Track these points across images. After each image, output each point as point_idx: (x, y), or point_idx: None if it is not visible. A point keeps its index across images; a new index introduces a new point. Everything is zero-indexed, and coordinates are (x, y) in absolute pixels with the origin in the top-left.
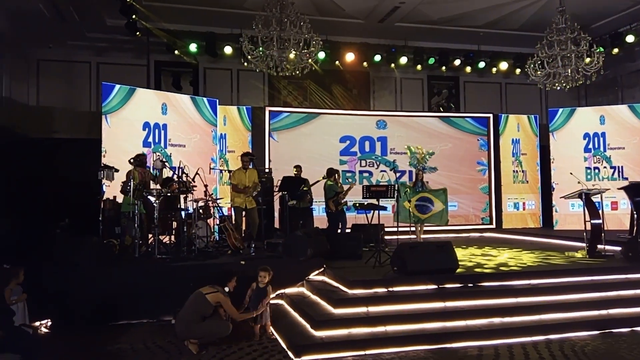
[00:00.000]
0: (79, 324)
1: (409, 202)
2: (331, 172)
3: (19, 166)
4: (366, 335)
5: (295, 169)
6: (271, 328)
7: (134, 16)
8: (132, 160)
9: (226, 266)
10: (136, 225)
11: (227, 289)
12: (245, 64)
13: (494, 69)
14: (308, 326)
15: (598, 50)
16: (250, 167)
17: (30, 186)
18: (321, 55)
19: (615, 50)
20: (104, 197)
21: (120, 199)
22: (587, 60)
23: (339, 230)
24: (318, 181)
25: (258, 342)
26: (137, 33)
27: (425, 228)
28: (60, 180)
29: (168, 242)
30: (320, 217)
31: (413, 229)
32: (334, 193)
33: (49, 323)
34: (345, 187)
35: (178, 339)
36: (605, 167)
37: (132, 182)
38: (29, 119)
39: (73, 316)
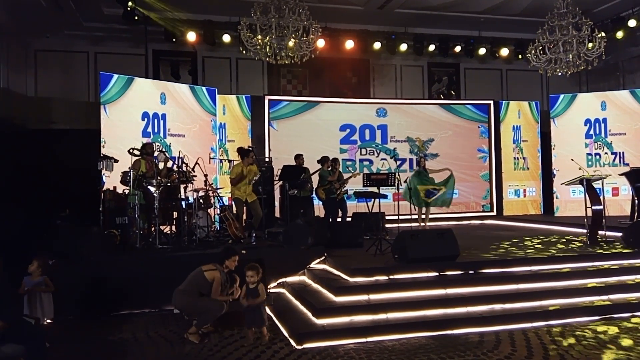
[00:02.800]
0: (82, 315)
1: (422, 187)
2: (323, 160)
3: (18, 157)
4: (367, 323)
5: (297, 159)
6: (268, 335)
7: (130, 3)
8: (132, 150)
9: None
10: (137, 215)
11: (225, 267)
12: (244, 52)
13: (495, 55)
14: (309, 314)
15: (600, 35)
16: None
17: (29, 177)
18: (320, 42)
19: (618, 34)
20: (104, 188)
21: (120, 189)
22: (589, 45)
23: (339, 219)
24: (318, 170)
25: (251, 341)
26: (136, 18)
27: (430, 215)
28: (60, 171)
29: (169, 232)
30: (320, 205)
31: (415, 216)
32: (326, 181)
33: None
34: (346, 175)
35: (175, 308)
36: (606, 153)
37: (132, 173)
38: (27, 109)
39: (75, 306)
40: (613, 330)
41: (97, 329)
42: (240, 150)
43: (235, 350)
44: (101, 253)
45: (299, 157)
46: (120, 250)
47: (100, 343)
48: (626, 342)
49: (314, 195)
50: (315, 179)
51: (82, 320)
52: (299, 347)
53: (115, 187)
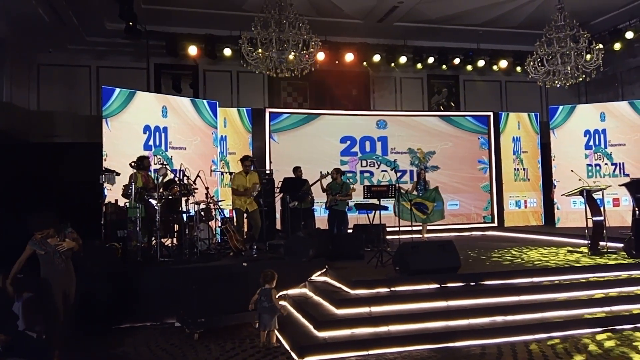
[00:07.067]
0: (83, 328)
1: (409, 202)
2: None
3: (20, 171)
4: (369, 336)
5: (296, 171)
6: (276, 336)
7: (132, 20)
8: (133, 164)
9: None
10: (138, 228)
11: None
12: (245, 65)
13: (494, 67)
14: (311, 327)
15: (597, 47)
16: (252, 169)
17: (31, 190)
18: (320, 55)
19: (616, 46)
20: (106, 201)
21: (122, 202)
22: (587, 57)
23: (337, 230)
24: (317, 181)
25: (261, 344)
26: (138, 32)
27: (427, 227)
28: (62, 184)
29: (170, 244)
30: (321, 217)
31: (416, 228)
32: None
33: None
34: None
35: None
36: (606, 164)
37: (133, 186)
38: (30, 123)
39: (77, 320)
40: (614, 342)
41: (99, 342)
42: (242, 158)
43: None
44: (103, 266)
45: (297, 170)
46: (122, 263)
47: (102, 356)
48: (628, 353)
49: (314, 207)
50: (316, 190)
51: (84, 333)
52: None
53: (117, 200)
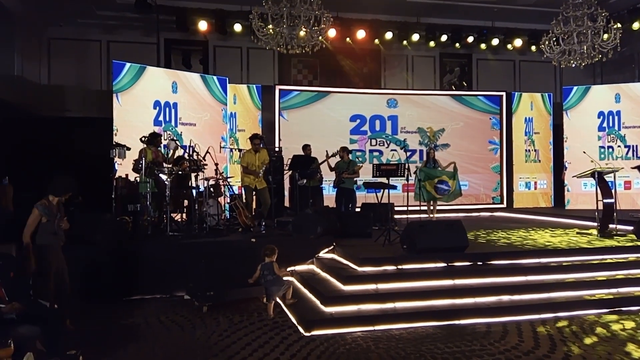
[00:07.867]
0: (94, 299)
1: (431, 181)
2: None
3: (31, 144)
4: (375, 312)
5: (305, 149)
6: (292, 291)
7: None
8: (143, 138)
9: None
10: (148, 202)
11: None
12: (256, 41)
13: (508, 46)
14: (318, 302)
15: (615, 26)
16: (261, 147)
17: (42, 164)
18: (332, 32)
19: (634, 25)
20: (116, 175)
21: (132, 177)
22: (604, 36)
23: (345, 208)
24: (324, 161)
25: (269, 317)
26: (150, 5)
27: (437, 207)
28: (73, 159)
29: (180, 219)
30: (330, 196)
31: (424, 208)
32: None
33: None
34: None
35: None
36: (619, 146)
37: (144, 161)
38: (41, 97)
39: (88, 291)
40: (621, 323)
41: (109, 313)
42: (252, 136)
43: (244, 335)
44: (113, 239)
45: (306, 148)
46: (132, 237)
47: (113, 327)
48: (634, 335)
49: (323, 185)
50: (324, 168)
51: (94, 304)
52: (308, 334)
53: (127, 175)
